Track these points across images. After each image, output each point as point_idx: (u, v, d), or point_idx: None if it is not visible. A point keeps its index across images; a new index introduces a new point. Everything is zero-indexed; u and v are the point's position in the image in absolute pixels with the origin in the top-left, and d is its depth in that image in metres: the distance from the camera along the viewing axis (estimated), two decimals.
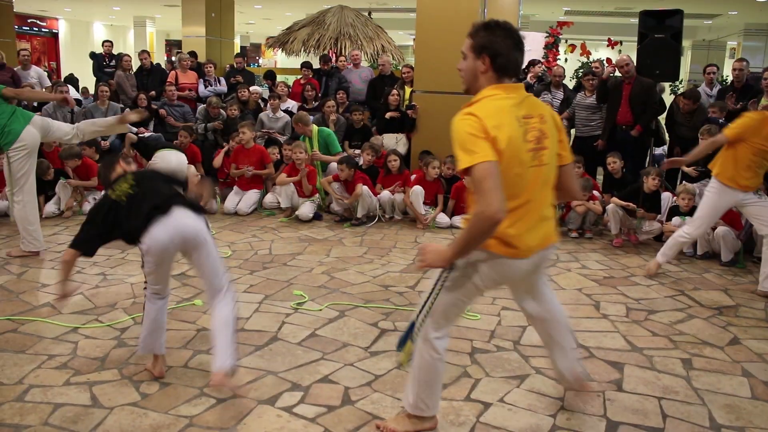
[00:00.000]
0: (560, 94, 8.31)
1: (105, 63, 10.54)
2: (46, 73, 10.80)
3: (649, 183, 6.13)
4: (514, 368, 3.50)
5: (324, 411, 3.00)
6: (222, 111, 8.68)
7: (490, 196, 2.17)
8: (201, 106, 8.92)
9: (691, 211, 5.97)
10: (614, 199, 6.22)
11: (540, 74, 9.22)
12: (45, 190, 6.85)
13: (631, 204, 6.13)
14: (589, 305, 4.53)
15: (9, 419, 2.87)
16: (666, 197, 6.41)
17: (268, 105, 8.65)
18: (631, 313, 4.42)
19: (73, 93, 9.32)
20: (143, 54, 10.22)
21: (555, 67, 8.72)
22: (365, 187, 6.73)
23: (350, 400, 3.11)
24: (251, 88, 9.46)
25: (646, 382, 3.39)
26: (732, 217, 5.74)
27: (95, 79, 10.38)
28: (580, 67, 14.34)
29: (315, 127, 7.43)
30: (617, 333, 4.04)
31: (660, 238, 6.20)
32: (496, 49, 2.34)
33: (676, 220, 5.99)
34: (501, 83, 2.38)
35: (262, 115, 8.58)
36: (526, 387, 3.29)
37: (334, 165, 7.35)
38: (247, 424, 2.87)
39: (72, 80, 11.07)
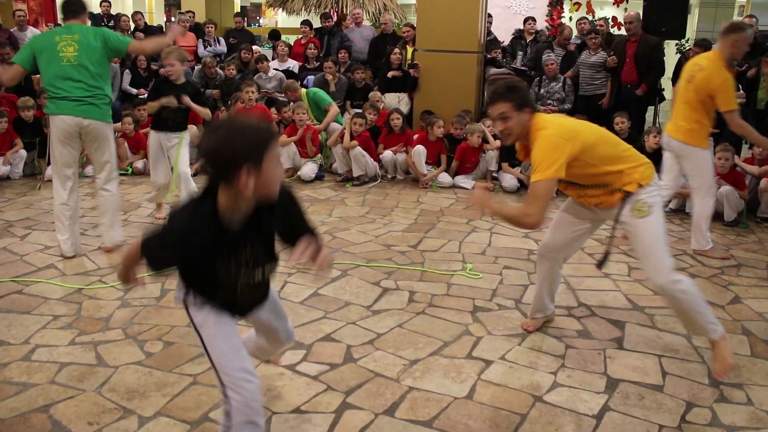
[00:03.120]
0: (562, 52, 8.20)
1: (103, 23, 10.40)
2: None
3: (650, 141, 6.08)
4: (516, 326, 3.52)
5: (326, 369, 3.03)
6: (219, 71, 8.58)
7: None
8: (197, 68, 8.79)
9: None
10: None
11: (536, 31, 9.13)
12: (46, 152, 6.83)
13: None
14: (591, 264, 4.54)
15: (17, 378, 2.91)
16: None
17: (258, 68, 8.48)
18: (633, 272, 4.42)
19: None
20: (137, 15, 10.09)
21: (566, 31, 8.58)
22: (358, 147, 6.70)
23: (352, 358, 3.14)
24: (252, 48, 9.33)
25: (646, 340, 3.41)
26: (736, 177, 5.70)
27: None
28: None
29: (303, 91, 7.49)
30: (619, 292, 4.06)
31: None
32: (529, 98, 2.94)
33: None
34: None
35: (256, 76, 8.49)
36: (527, 345, 3.32)
37: (333, 125, 7.32)
38: None
39: None
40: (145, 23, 10.09)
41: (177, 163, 5.15)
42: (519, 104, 2.84)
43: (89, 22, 4.42)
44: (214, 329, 2.10)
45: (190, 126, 5.77)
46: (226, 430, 2.06)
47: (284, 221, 2.05)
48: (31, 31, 9.41)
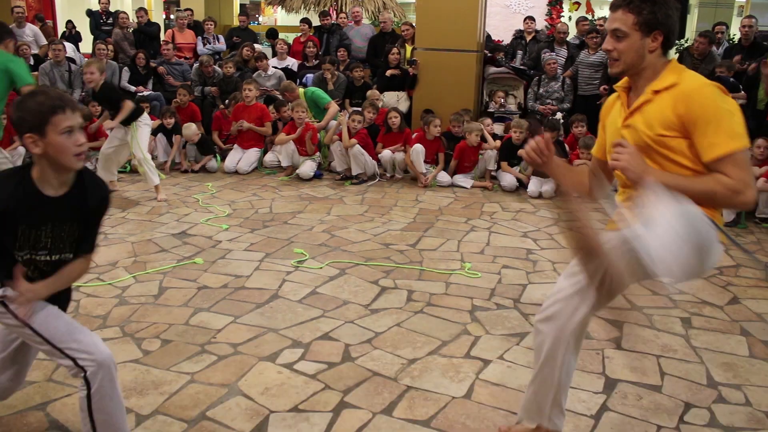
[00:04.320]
0: (564, 52, 8.20)
1: (102, 21, 10.37)
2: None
3: None
4: (514, 326, 3.51)
5: (324, 367, 3.02)
6: (218, 69, 8.56)
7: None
8: (195, 66, 8.76)
9: None
10: None
11: (535, 30, 9.11)
12: None
13: None
14: None
15: None
16: None
17: (258, 66, 8.47)
18: None
19: (70, 51, 9.17)
20: (140, 12, 10.05)
21: (559, 24, 8.59)
22: (357, 146, 6.70)
23: (350, 356, 3.13)
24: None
25: (645, 340, 3.41)
26: None
27: (92, 37, 10.24)
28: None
29: (301, 91, 7.49)
30: None
31: None
32: (671, 25, 2.06)
33: None
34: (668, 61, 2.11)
35: (255, 75, 8.47)
36: (525, 345, 3.31)
37: (332, 123, 7.31)
38: (247, 380, 2.89)
39: (72, 37, 10.84)
40: (148, 20, 10.04)
41: (134, 150, 5.84)
42: (647, 23, 2.04)
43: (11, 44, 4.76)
44: (44, 314, 2.13)
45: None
46: (89, 395, 2.11)
47: (85, 219, 2.18)
48: (30, 28, 9.40)
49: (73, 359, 2.09)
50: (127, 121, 5.76)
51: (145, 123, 5.94)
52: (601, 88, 7.46)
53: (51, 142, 1.99)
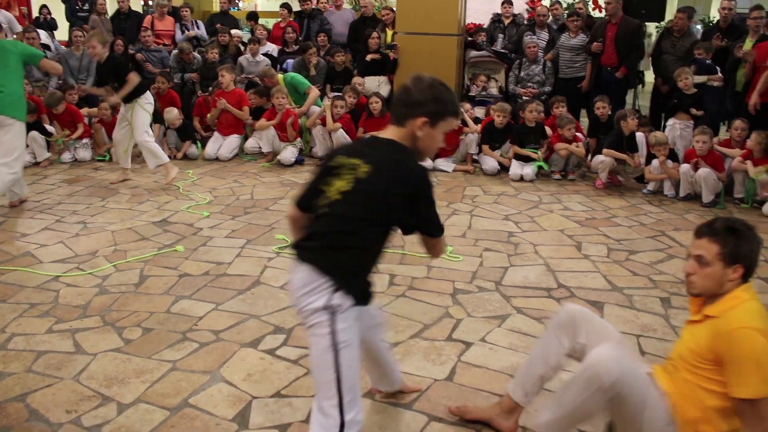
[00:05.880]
0: (545, 35, 8.19)
1: (78, 7, 10.18)
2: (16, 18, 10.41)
3: (630, 125, 6.09)
4: (496, 308, 3.53)
5: (307, 353, 3.01)
6: (197, 55, 8.46)
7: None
8: (174, 53, 8.64)
9: (669, 157, 5.94)
10: (611, 151, 6.10)
11: (513, 14, 9.08)
12: None
13: (626, 157, 6.05)
14: (571, 246, 4.57)
15: None
16: (640, 138, 6.34)
17: (248, 49, 8.44)
18: (612, 253, 4.45)
19: (45, 38, 9.01)
20: None
21: (539, 7, 8.58)
22: (341, 130, 6.67)
23: None
24: (232, 32, 9.20)
25: (625, 320, 3.44)
26: (714, 159, 5.75)
27: (68, 24, 10.06)
28: (566, 9, 14.05)
29: (280, 76, 7.43)
30: (598, 273, 4.09)
31: (642, 180, 6.21)
32: (753, 260, 2.08)
33: (655, 163, 5.97)
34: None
35: (241, 59, 8.40)
36: (507, 327, 3.33)
37: (313, 108, 7.27)
38: (230, 367, 2.89)
39: (47, 23, 10.63)
40: (129, 7, 9.83)
41: (134, 134, 5.76)
42: (731, 256, 2.06)
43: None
44: (355, 350, 2.00)
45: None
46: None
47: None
48: (3, 15, 9.24)
49: (341, 405, 1.93)
50: (128, 99, 5.64)
51: (147, 102, 5.78)
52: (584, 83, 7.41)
53: (433, 134, 2.05)
